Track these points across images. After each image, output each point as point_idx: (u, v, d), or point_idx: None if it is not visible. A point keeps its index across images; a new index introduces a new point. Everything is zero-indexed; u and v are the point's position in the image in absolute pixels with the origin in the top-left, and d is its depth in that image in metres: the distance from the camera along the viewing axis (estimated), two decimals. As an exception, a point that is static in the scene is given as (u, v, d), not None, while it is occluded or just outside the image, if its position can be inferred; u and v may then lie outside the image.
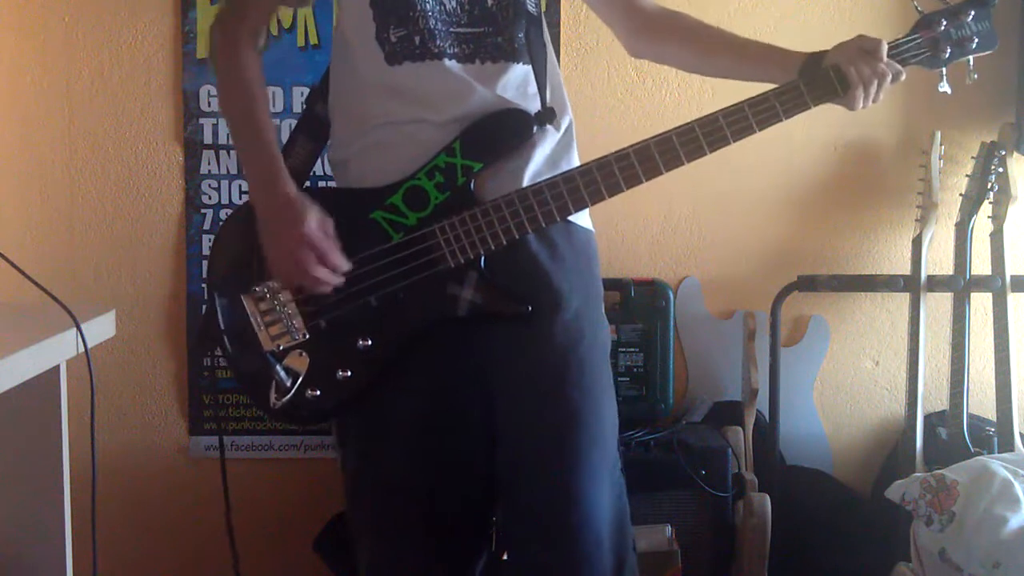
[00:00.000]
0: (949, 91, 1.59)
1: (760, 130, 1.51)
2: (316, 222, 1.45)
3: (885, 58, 1.51)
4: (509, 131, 1.52)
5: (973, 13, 1.55)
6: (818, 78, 1.52)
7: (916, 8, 1.57)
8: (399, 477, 1.56)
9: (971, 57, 1.57)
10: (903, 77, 1.53)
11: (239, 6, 1.57)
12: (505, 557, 1.63)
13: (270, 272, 1.50)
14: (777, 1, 2.59)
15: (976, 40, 1.55)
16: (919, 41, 1.56)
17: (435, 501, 1.57)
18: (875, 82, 1.51)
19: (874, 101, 1.53)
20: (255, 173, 1.51)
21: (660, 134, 1.50)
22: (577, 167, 1.52)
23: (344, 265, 1.47)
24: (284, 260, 1.46)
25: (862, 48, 1.51)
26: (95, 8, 2.53)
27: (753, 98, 1.52)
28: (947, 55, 1.56)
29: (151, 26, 2.54)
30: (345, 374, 1.50)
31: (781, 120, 1.51)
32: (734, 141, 1.51)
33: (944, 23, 1.55)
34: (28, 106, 2.54)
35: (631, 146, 1.50)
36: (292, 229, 1.44)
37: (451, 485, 1.58)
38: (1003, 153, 2.37)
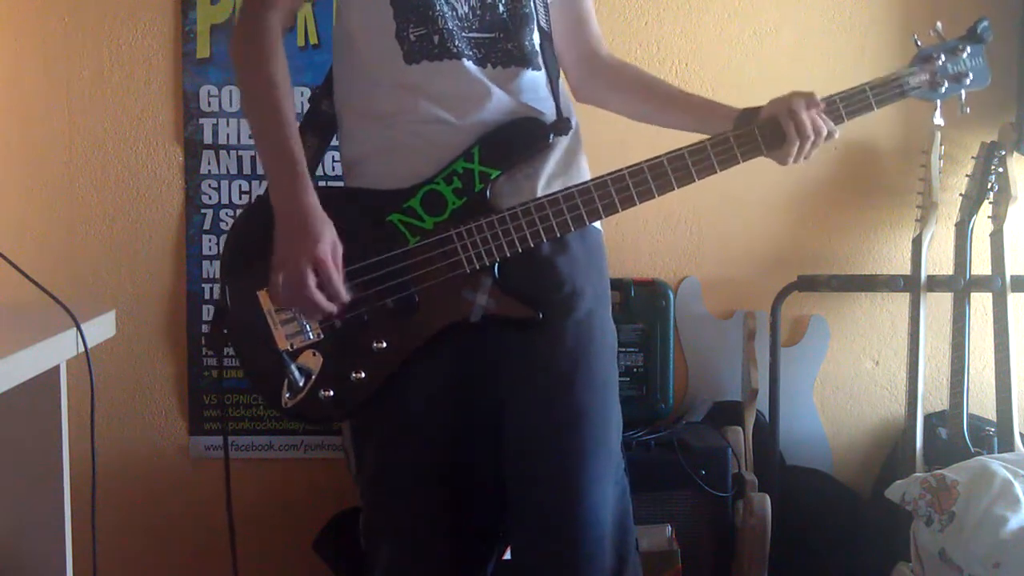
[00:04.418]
0: (943, 123, 1.65)
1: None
2: (329, 244, 1.43)
3: (821, 113, 1.54)
4: (527, 140, 1.53)
5: (968, 50, 1.61)
6: (747, 133, 1.55)
7: (915, 43, 1.62)
8: (417, 478, 1.57)
9: (963, 92, 1.63)
10: (836, 136, 1.56)
11: None
12: (507, 556, 1.64)
13: (269, 281, 1.47)
14: (777, 2, 2.59)
15: (971, 76, 1.62)
16: (918, 74, 1.61)
17: (452, 501, 1.57)
18: (810, 139, 1.53)
19: (805, 158, 1.56)
20: (277, 178, 1.48)
21: (672, 151, 1.53)
22: (592, 180, 1.53)
23: (343, 298, 1.45)
24: (287, 276, 1.43)
25: (798, 103, 1.54)
26: (95, 8, 2.53)
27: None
28: (944, 89, 1.62)
29: (151, 26, 2.54)
30: (359, 375, 1.50)
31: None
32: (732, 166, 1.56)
33: (942, 58, 1.60)
34: (28, 106, 2.54)
35: (645, 161, 1.53)
36: (304, 246, 1.42)
37: (467, 485, 1.58)
38: (1003, 153, 2.37)
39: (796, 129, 1.53)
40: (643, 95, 1.72)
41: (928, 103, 1.65)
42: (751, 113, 1.58)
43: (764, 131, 1.55)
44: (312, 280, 1.42)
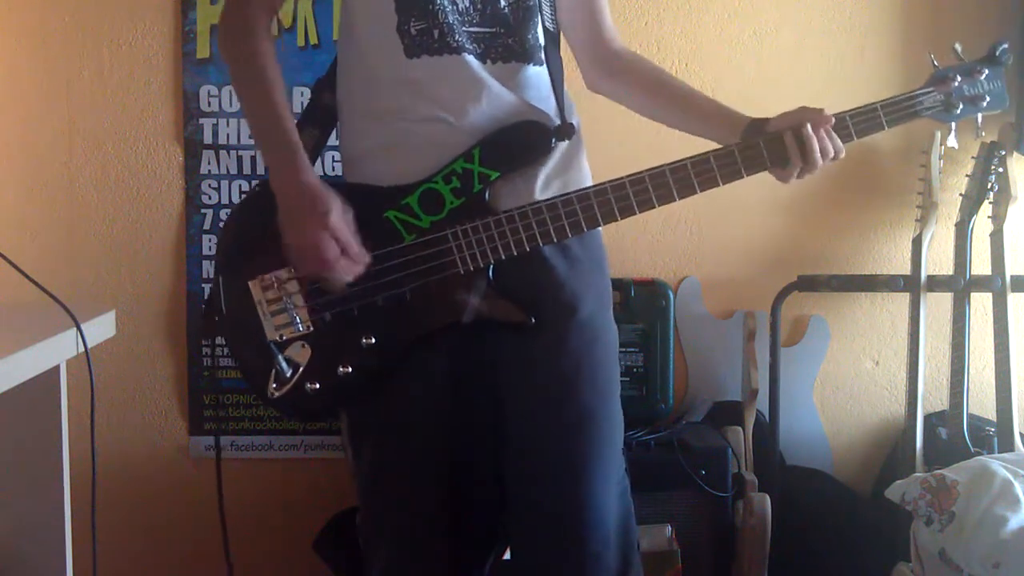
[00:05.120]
0: (956, 146, 1.63)
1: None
2: (339, 213, 1.44)
3: (830, 132, 1.51)
4: (529, 145, 1.53)
5: (987, 72, 1.58)
6: (752, 147, 1.53)
7: (932, 63, 1.60)
8: (415, 477, 1.57)
9: (980, 115, 1.60)
10: (842, 155, 1.53)
11: None
12: (507, 556, 1.64)
13: (288, 260, 1.49)
14: (777, 2, 2.59)
15: (987, 99, 1.59)
16: (933, 95, 1.58)
17: (450, 501, 1.57)
18: (816, 164, 1.51)
19: (811, 173, 1.54)
20: (276, 161, 1.49)
21: (675, 162, 1.52)
22: (592, 187, 1.53)
23: (365, 258, 1.46)
24: (307, 250, 1.44)
25: (805, 122, 1.51)
26: (95, 8, 2.53)
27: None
28: (959, 111, 1.59)
29: (151, 26, 2.54)
30: (346, 370, 1.50)
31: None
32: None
33: (958, 79, 1.58)
34: (28, 106, 2.54)
35: (646, 171, 1.52)
36: (316, 219, 1.42)
37: (465, 484, 1.58)
38: (1003, 153, 2.37)
39: (801, 152, 1.51)
40: (652, 93, 1.69)
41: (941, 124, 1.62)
42: (759, 124, 1.55)
43: (770, 147, 1.53)
44: (333, 251, 1.42)
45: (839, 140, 1.52)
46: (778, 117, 1.54)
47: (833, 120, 1.52)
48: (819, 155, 1.50)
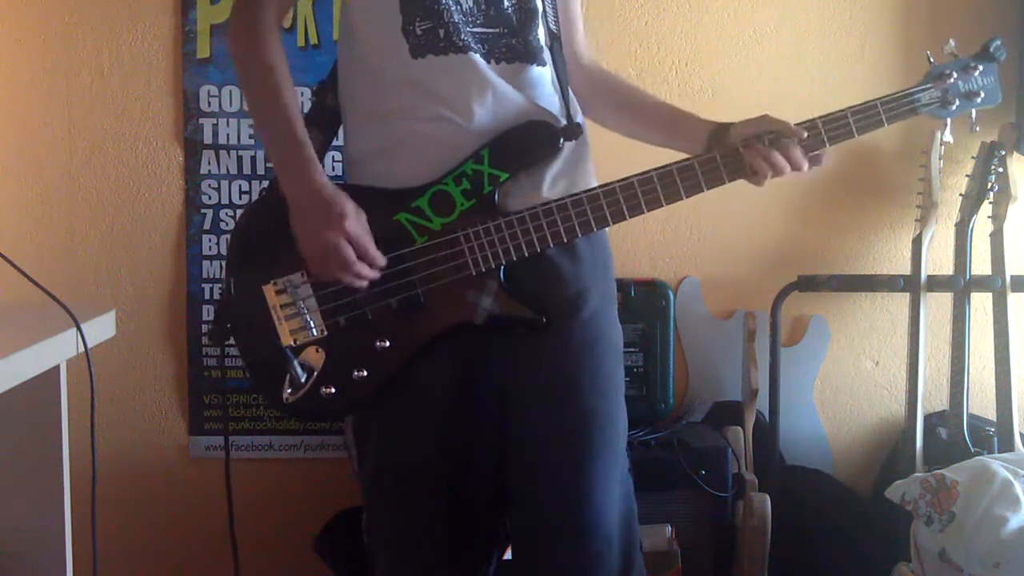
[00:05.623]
0: (951, 140, 1.66)
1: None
2: (354, 215, 1.44)
3: (801, 143, 1.53)
4: (537, 145, 1.53)
5: (981, 68, 1.61)
6: (729, 154, 1.55)
7: (929, 60, 1.62)
8: (419, 477, 1.56)
9: (974, 110, 1.63)
10: (804, 171, 1.54)
11: None
12: (508, 556, 1.64)
13: (304, 264, 1.48)
14: (777, 2, 2.59)
15: (982, 95, 1.62)
16: (930, 91, 1.61)
17: (454, 500, 1.58)
18: (777, 171, 1.53)
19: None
20: (286, 164, 1.48)
21: (681, 160, 1.54)
22: (600, 187, 1.53)
23: (382, 260, 1.46)
24: (323, 254, 1.44)
25: (768, 132, 1.53)
26: (95, 8, 2.53)
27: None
28: (955, 107, 1.62)
29: (151, 26, 2.54)
30: (361, 373, 1.50)
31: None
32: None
33: (954, 76, 1.61)
34: (28, 106, 2.54)
35: (654, 169, 1.53)
36: (331, 223, 1.42)
37: (469, 484, 1.58)
38: (1003, 153, 2.37)
39: (757, 166, 1.53)
40: (615, 109, 1.72)
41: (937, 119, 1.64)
42: (721, 131, 1.57)
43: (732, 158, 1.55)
44: (350, 254, 1.42)
45: (805, 158, 1.54)
46: (740, 124, 1.56)
47: (804, 134, 1.53)
48: (766, 169, 1.52)
